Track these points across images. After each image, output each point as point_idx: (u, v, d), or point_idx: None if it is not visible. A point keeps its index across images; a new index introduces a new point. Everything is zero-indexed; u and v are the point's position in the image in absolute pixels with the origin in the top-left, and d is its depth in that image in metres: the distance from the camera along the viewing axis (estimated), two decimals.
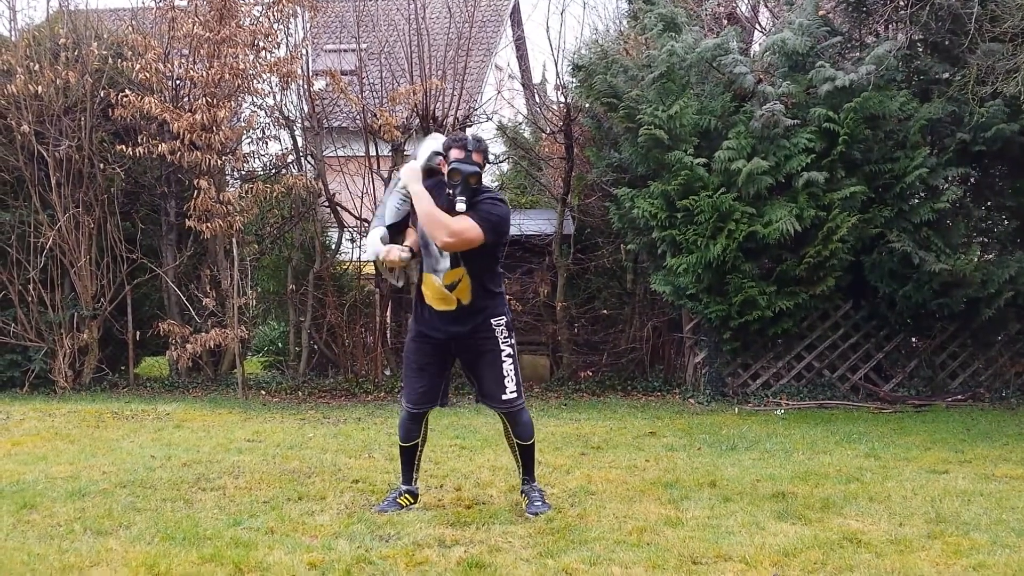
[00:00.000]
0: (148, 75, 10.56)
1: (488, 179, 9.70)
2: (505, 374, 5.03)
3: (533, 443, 5.25)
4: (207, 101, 10.42)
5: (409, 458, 5.26)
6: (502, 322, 5.04)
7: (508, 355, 5.05)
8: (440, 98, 11.58)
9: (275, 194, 11.15)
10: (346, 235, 12.17)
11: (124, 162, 11.03)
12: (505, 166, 14.37)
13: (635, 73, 10.24)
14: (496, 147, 13.40)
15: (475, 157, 4.91)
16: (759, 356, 10.39)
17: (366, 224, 11.75)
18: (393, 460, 6.43)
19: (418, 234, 5.01)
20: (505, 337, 5.05)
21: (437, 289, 4.98)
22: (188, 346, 10.60)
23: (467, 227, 4.80)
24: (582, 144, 11.82)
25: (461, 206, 4.83)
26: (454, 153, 4.91)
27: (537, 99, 14.01)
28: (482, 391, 5.13)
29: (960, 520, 4.89)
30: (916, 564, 4.13)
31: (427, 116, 11.39)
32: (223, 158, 10.75)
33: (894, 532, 4.65)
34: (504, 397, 5.03)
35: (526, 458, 5.23)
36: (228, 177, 11.86)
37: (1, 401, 10.16)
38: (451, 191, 4.87)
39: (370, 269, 12.05)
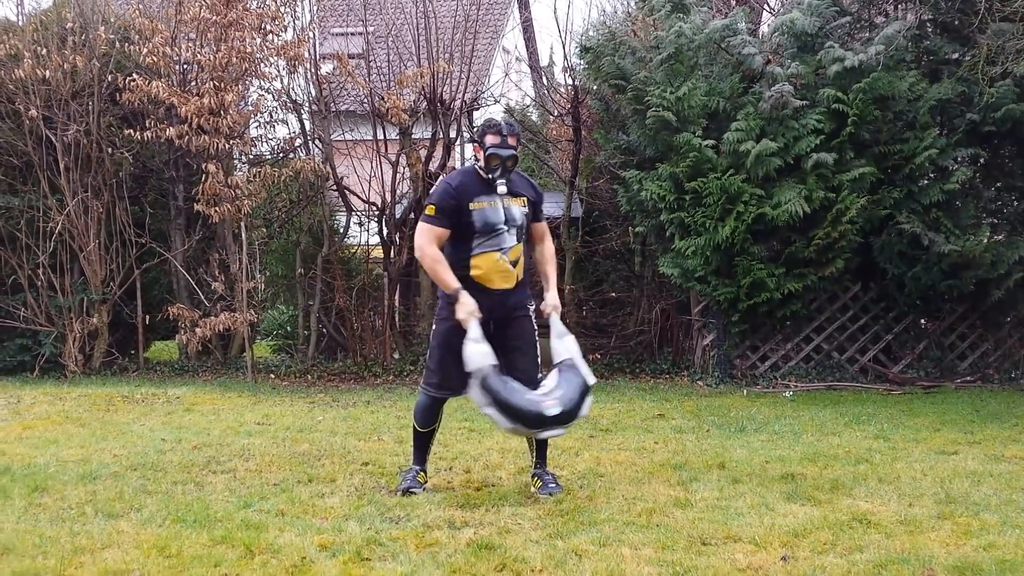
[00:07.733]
0: (155, 59, 10.55)
1: None
2: (539, 354, 5.19)
3: None
4: (215, 85, 10.40)
5: (424, 443, 5.27)
6: (531, 302, 5.21)
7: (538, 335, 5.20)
8: (447, 81, 11.53)
9: (283, 178, 11.15)
10: (354, 219, 12.15)
11: (132, 146, 11.03)
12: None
13: (643, 55, 10.19)
14: None
15: (510, 141, 5.01)
16: (768, 338, 10.37)
17: (374, 207, 11.73)
18: (402, 443, 6.46)
19: (477, 218, 4.98)
20: (533, 318, 5.19)
21: (501, 267, 5.05)
22: (197, 330, 10.62)
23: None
24: (590, 126, 11.77)
25: (502, 188, 5.00)
26: (489, 139, 4.98)
27: (545, 81, 13.95)
28: (519, 375, 5.05)
29: (970, 501, 4.88)
30: (926, 544, 4.12)
31: (435, 99, 11.35)
32: (231, 142, 10.75)
33: (904, 513, 4.64)
34: (539, 376, 5.12)
35: (542, 441, 5.21)
36: (236, 161, 11.84)
37: (12, 385, 10.22)
38: (490, 175, 4.98)
39: (378, 252, 12.05)
